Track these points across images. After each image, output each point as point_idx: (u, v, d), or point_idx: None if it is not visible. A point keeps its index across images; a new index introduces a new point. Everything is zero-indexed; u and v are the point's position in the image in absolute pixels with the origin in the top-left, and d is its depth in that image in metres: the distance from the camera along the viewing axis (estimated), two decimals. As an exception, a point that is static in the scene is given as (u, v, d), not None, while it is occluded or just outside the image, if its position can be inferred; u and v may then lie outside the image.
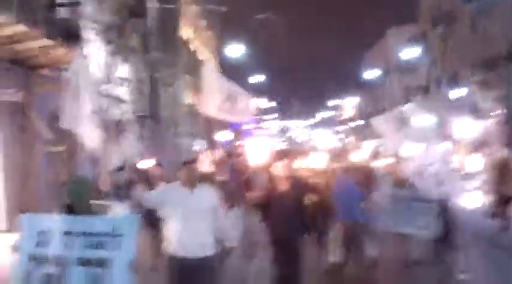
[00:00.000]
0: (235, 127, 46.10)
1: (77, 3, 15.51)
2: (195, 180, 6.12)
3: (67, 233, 4.71)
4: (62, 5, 14.74)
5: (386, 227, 9.55)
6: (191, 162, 6.25)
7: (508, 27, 26.65)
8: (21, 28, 11.57)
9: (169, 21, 23.48)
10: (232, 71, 45.23)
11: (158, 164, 10.19)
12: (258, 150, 13.93)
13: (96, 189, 8.57)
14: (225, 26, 44.08)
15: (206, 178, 8.06)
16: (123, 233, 4.65)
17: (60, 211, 5.01)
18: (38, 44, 12.74)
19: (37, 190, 14.18)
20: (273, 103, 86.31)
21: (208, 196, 6.13)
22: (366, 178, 9.96)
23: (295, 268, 7.68)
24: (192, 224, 5.85)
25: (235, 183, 9.37)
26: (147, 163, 17.24)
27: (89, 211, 5.03)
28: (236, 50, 37.48)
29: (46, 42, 12.77)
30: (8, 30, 11.49)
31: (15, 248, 4.90)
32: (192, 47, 33.38)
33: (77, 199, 5.01)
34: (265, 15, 34.68)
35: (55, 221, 4.82)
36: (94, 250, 4.63)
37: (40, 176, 14.41)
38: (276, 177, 7.87)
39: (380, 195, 9.64)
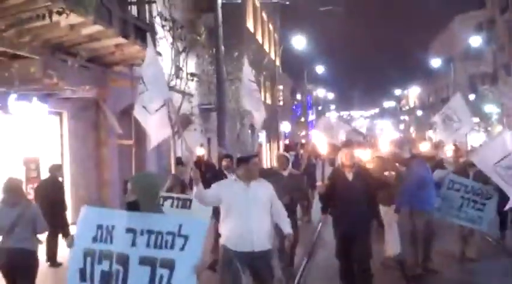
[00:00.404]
0: (295, 119, 46.16)
1: (150, 1, 16.08)
2: (253, 175, 6.01)
3: (129, 230, 4.42)
4: (135, 3, 15.34)
5: (438, 215, 9.29)
6: (250, 158, 6.13)
7: None
8: (97, 28, 12.23)
9: (235, 15, 23.87)
10: (292, 63, 45.58)
11: (227, 155, 10.45)
12: (321, 141, 13.95)
13: (177, 181, 8.87)
14: (287, 19, 44.26)
15: (267, 173, 7.93)
16: (189, 235, 4.35)
17: (124, 207, 4.71)
18: (113, 42, 13.42)
19: (107, 183, 14.87)
20: (332, 94, 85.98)
21: (264, 190, 6.03)
22: (436, 167, 9.76)
23: (360, 263, 7.26)
24: (249, 218, 5.79)
25: (299, 175, 9.26)
26: (210, 155, 17.65)
27: (155, 209, 4.68)
28: (297, 42, 37.62)
29: (120, 40, 13.44)
30: (86, 30, 12.18)
31: (71, 243, 4.68)
32: (257, 39, 33.83)
33: (142, 197, 4.61)
34: (328, 7, 34.60)
35: (117, 217, 4.58)
36: (157, 250, 4.35)
37: (111, 169, 15.03)
38: (340, 167, 7.59)
39: (441, 183, 9.30)
